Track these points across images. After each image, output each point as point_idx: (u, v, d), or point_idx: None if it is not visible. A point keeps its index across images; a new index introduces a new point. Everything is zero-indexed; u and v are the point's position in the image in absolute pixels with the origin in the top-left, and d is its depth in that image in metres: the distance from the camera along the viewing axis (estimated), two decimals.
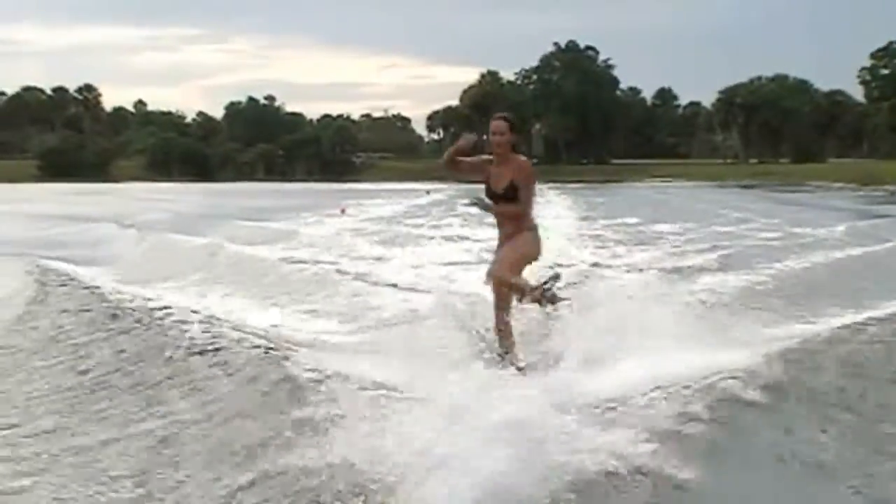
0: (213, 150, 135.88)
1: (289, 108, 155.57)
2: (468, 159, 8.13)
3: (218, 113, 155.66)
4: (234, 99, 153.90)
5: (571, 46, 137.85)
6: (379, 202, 46.48)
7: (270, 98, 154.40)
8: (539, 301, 7.57)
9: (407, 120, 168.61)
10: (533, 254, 7.98)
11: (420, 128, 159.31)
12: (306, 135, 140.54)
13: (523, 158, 7.98)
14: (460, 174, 8.26)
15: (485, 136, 8.09)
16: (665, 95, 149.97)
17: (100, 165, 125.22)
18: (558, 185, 66.55)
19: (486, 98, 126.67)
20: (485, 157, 8.02)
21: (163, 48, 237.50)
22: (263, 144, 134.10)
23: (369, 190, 70.34)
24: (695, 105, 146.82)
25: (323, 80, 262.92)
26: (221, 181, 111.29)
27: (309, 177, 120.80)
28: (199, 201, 49.91)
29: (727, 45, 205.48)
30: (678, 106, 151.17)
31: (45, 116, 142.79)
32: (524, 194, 7.84)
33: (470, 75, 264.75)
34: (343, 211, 36.34)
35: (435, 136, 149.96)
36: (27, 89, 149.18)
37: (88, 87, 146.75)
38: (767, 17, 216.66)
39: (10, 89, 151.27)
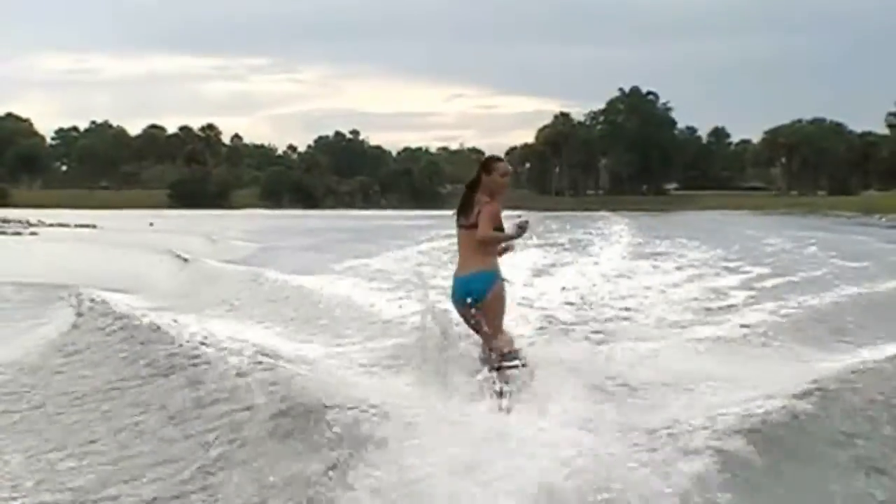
0: (315, 181, 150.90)
1: (359, 137, 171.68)
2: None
3: (291, 141, 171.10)
4: (301, 126, 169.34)
5: (634, 91, 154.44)
6: None
7: (355, 132, 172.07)
8: (500, 358, 7.34)
9: (480, 153, 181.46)
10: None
11: None
12: (399, 167, 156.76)
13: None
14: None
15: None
16: (718, 134, 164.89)
17: (221, 194, 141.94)
18: (619, 211, 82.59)
19: (559, 137, 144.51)
20: (483, 200, 7.83)
21: (232, 78, 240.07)
22: (362, 177, 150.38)
23: None
24: (745, 142, 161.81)
25: (390, 109, 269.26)
26: (325, 209, 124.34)
27: (401, 205, 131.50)
28: (358, 224, 63.36)
29: (777, 86, 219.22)
30: (730, 143, 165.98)
31: (169, 151, 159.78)
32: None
33: (531, 106, 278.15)
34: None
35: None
36: (153, 127, 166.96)
37: (210, 126, 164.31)
38: (810, 62, 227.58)
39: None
